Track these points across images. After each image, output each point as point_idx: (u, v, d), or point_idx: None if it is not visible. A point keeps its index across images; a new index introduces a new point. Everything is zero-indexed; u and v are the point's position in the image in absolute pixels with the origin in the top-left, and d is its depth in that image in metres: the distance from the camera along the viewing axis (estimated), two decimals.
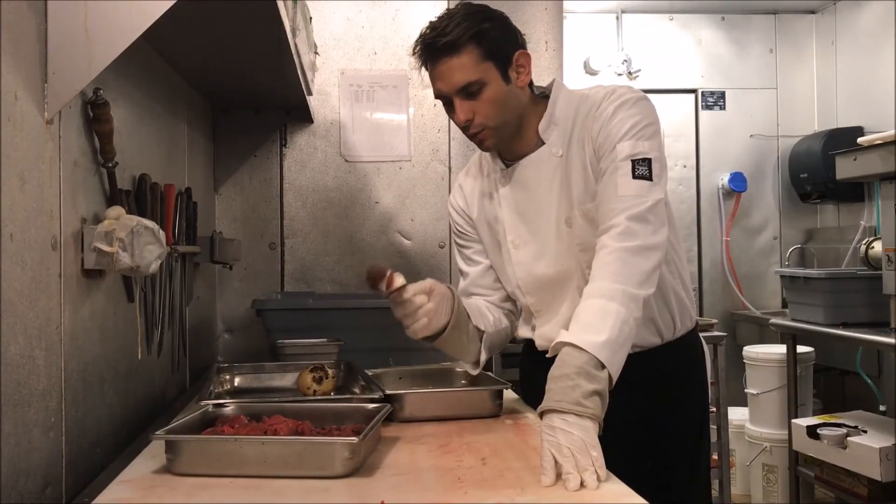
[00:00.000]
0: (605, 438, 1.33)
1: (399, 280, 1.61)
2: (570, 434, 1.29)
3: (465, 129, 1.69)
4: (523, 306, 1.85)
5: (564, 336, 1.45)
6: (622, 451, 1.42)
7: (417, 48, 1.65)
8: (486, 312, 1.85)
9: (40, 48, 1.31)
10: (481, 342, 1.81)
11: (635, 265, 1.53)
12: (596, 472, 1.26)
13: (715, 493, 3.69)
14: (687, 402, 1.83)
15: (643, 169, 1.59)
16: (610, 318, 1.45)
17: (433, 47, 1.63)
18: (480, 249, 1.90)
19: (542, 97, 1.76)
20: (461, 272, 1.95)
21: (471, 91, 1.63)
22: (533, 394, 1.87)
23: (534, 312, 1.82)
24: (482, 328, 1.81)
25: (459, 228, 1.92)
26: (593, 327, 1.44)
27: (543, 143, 1.73)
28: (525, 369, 1.97)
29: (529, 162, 1.74)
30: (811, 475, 3.57)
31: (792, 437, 3.63)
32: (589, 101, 1.70)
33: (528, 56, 1.69)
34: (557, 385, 1.37)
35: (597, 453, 1.29)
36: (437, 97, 1.70)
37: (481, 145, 1.73)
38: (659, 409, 1.77)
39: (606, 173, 1.62)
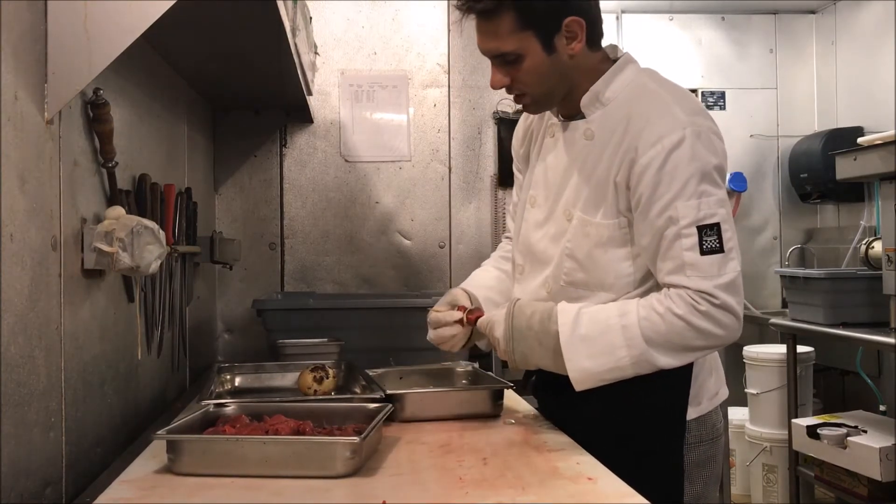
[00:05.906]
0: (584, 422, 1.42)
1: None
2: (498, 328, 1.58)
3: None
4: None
5: (565, 326, 1.50)
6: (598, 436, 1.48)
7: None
8: (507, 281, 1.83)
9: (40, 48, 1.30)
10: None
11: (684, 339, 1.46)
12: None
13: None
14: (667, 389, 1.65)
15: (711, 240, 1.44)
16: (610, 359, 1.48)
17: (471, 7, 1.51)
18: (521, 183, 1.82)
19: (611, 61, 1.63)
20: (515, 195, 1.89)
21: (508, 60, 1.53)
22: (544, 390, 1.87)
23: (517, 277, 1.75)
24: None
25: (513, 153, 1.86)
26: (591, 348, 1.49)
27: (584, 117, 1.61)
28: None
29: (573, 128, 1.63)
30: (811, 475, 3.57)
31: (792, 437, 3.63)
32: (644, 105, 1.54)
33: (580, 22, 1.53)
34: (528, 336, 1.55)
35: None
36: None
37: (524, 109, 1.66)
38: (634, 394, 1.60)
39: (668, 236, 1.46)
